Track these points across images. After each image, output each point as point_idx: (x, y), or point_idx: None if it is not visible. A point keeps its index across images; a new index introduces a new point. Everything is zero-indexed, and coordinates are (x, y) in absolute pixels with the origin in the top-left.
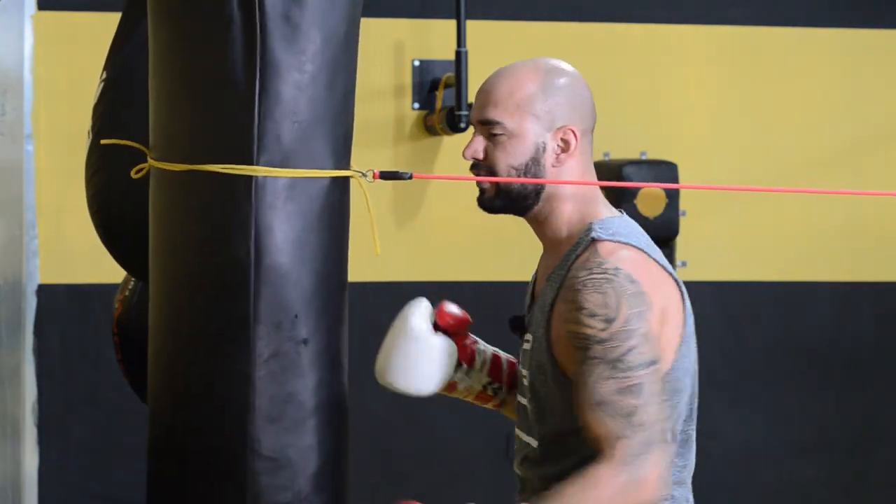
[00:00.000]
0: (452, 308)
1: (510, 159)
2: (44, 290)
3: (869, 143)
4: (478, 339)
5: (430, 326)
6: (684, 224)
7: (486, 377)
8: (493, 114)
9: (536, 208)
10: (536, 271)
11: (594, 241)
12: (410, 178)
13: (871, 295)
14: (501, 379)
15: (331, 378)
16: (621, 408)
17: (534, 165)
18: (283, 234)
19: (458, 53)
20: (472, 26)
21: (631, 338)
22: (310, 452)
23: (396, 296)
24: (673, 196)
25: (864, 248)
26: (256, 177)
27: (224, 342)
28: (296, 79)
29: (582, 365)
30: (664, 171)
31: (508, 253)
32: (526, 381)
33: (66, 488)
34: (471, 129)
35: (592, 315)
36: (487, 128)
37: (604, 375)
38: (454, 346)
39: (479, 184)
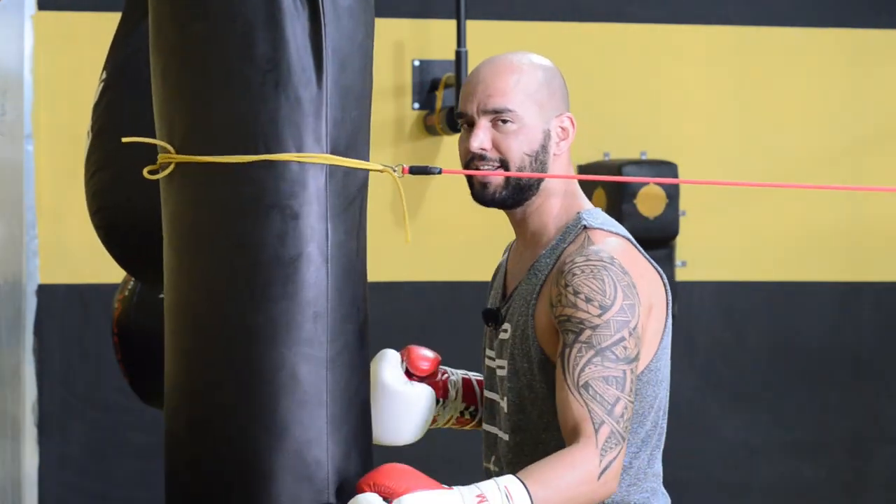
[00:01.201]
0: (423, 352)
1: (524, 147)
2: (44, 290)
3: (869, 142)
4: (447, 368)
5: (403, 376)
6: (684, 224)
7: (462, 404)
8: (504, 102)
9: (532, 199)
10: (505, 264)
11: (586, 228)
12: (440, 172)
13: (871, 295)
14: (476, 401)
15: (369, 372)
16: (605, 395)
17: (542, 153)
18: (346, 225)
19: (458, 53)
20: (472, 26)
21: (622, 329)
22: (366, 449)
23: (396, 296)
24: (673, 196)
25: (864, 248)
26: (328, 167)
27: (299, 337)
28: (352, 70)
29: (569, 347)
30: (664, 171)
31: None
32: (504, 372)
33: (66, 488)
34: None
35: (589, 300)
36: (496, 117)
37: (591, 360)
38: (431, 391)
39: (481, 178)
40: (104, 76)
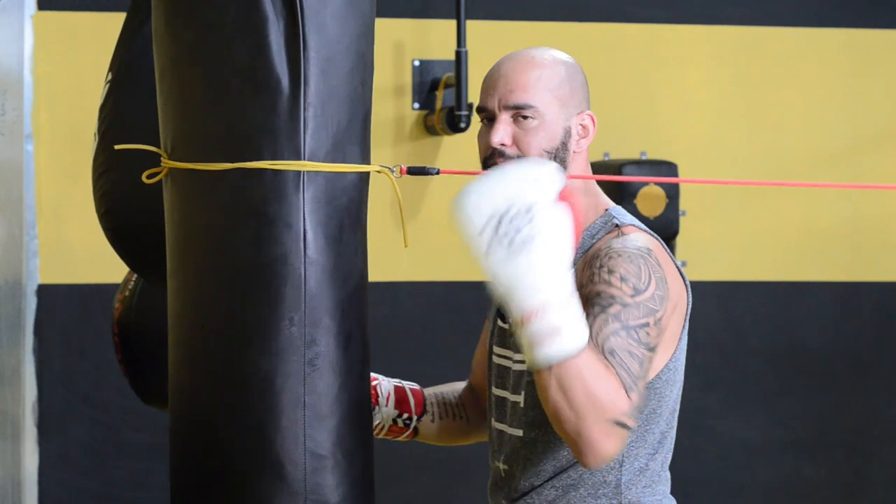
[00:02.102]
0: None
1: (543, 143)
2: (44, 290)
3: (869, 142)
4: (377, 376)
5: None
6: (684, 224)
7: (394, 411)
8: (525, 97)
9: None
10: None
11: (618, 226)
12: (437, 173)
13: (871, 295)
14: (410, 409)
15: (366, 375)
16: (630, 367)
17: (562, 150)
18: (328, 230)
19: (458, 53)
20: (472, 26)
21: (649, 315)
22: (355, 451)
23: (396, 296)
24: (673, 196)
25: (864, 248)
26: (304, 173)
27: (275, 340)
28: (336, 73)
29: (594, 316)
30: (664, 171)
31: None
32: (523, 367)
33: (66, 488)
34: (473, 128)
35: (624, 279)
36: (517, 112)
37: (617, 331)
38: None
39: None
40: (110, 77)
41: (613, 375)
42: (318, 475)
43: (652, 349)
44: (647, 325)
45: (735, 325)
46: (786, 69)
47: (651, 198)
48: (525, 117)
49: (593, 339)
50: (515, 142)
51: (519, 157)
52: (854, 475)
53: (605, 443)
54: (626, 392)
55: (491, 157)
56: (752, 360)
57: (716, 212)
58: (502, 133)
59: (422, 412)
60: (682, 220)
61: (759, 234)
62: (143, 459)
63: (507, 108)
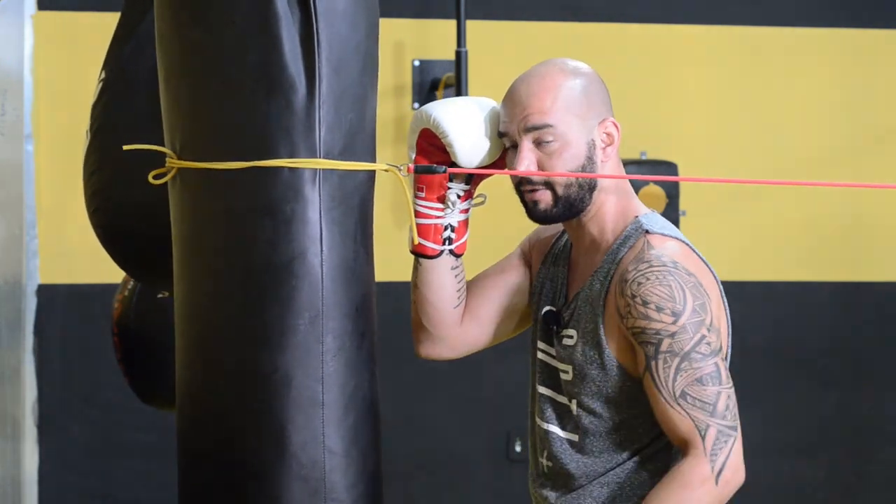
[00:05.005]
0: None
1: (568, 164)
2: (44, 290)
3: (868, 142)
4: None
5: None
6: (684, 224)
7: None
8: (543, 119)
9: (588, 208)
10: (558, 267)
11: (647, 233)
12: (444, 171)
13: (871, 295)
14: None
15: (376, 373)
16: (703, 397)
17: (589, 165)
18: (343, 229)
19: (458, 53)
20: (472, 26)
21: (700, 328)
22: (369, 449)
23: (396, 296)
24: (673, 196)
25: (864, 248)
26: (320, 171)
27: (293, 339)
28: (348, 73)
29: (653, 360)
30: (664, 171)
31: (508, 253)
32: (568, 377)
33: (66, 488)
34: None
35: (660, 309)
36: (537, 135)
37: (679, 368)
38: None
39: (530, 197)
40: (103, 76)
41: (680, 473)
42: (337, 473)
43: (719, 350)
44: (702, 338)
45: (735, 325)
46: (786, 69)
47: (651, 198)
48: (546, 141)
49: (664, 388)
50: (540, 167)
51: (546, 182)
52: (854, 475)
53: (733, 484)
54: (702, 438)
55: (520, 184)
56: (751, 361)
57: (716, 212)
58: (527, 161)
59: (461, 253)
60: (682, 220)
61: (759, 234)
62: (143, 459)
63: (527, 130)
